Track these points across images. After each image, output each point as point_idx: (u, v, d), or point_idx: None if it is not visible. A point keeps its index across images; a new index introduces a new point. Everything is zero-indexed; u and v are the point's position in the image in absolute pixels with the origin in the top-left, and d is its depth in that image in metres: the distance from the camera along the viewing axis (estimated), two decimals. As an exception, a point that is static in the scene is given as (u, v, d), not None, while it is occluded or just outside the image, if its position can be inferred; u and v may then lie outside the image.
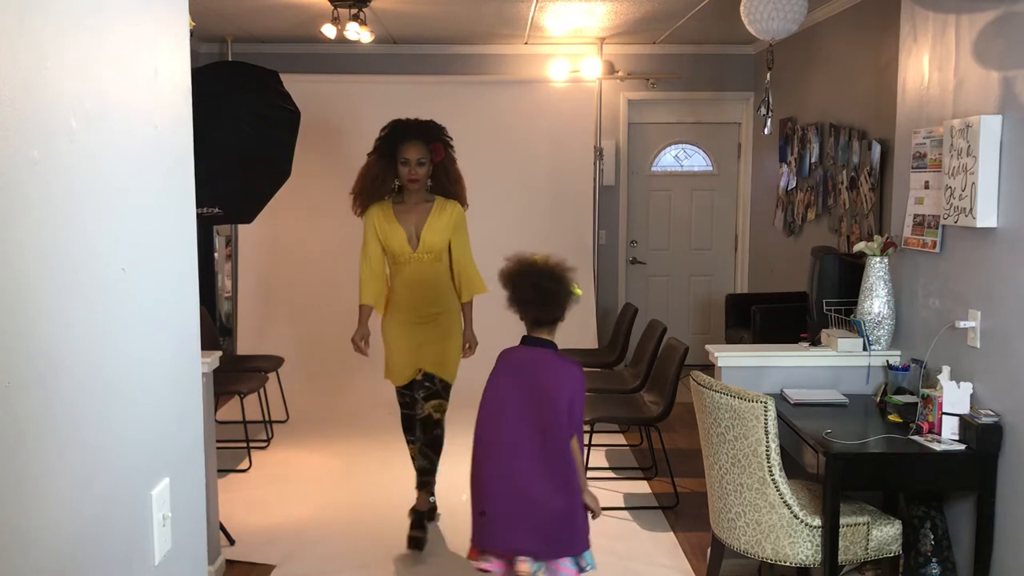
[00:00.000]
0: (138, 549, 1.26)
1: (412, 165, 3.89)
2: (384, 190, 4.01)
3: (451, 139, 4.06)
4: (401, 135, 3.93)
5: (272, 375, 5.68)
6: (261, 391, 5.51)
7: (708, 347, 3.70)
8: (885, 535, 3.00)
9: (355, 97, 6.98)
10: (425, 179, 3.97)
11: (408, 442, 4.20)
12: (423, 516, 3.99)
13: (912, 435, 3.03)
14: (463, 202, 4.10)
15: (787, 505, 2.92)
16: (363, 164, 4.06)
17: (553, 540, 2.63)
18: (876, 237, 3.54)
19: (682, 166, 7.64)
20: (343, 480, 4.89)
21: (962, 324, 3.07)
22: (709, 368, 3.59)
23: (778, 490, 2.91)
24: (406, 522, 3.97)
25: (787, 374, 3.60)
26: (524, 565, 2.62)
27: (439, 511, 4.24)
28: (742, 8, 3.73)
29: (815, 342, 3.73)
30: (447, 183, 4.03)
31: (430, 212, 3.98)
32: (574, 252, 7.15)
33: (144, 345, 1.29)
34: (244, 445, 5.23)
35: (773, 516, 2.94)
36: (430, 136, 3.97)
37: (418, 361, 4.00)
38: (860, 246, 3.55)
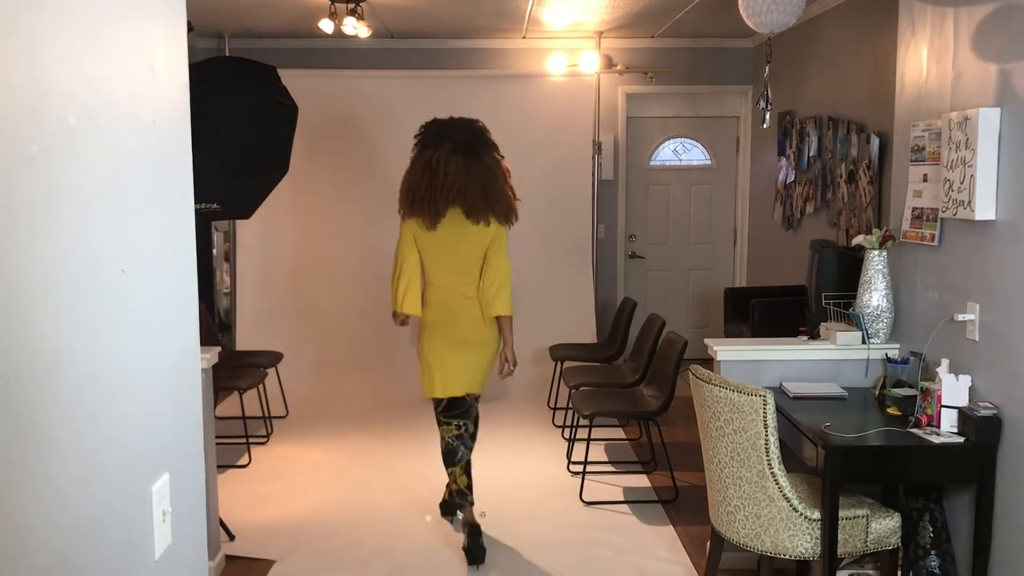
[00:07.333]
0: (138, 544, 1.27)
1: None
2: None
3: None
4: None
5: (271, 371, 5.68)
6: (260, 387, 5.52)
7: (707, 341, 3.70)
8: (884, 528, 3.01)
9: (353, 92, 6.97)
10: None
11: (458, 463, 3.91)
12: (479, 528, 3.82)
13: (911, 428, 3.04)
14: None
15: (786, 498, 2.92)
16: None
17: None
18: (875, 230, 3.54)
19: (681, 160, 7.64)
20: (343, 475, 4.89)
21: (961, 317, 3.07)
22: (708, 362, 3.60)
23: (777, 483, 2.92)
24: (405, 516, 3.97)
25: (786, 367, 3.60)
26: None
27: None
28: (740, 2, 3.72)
29: (814, 335, 3.73)
30: None
31: None
32: (573, 247, 7.17)
33: (143, 341, 1.29)
34: (244, 441, 5.23)
35: (772, 509, 2.94)
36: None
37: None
38: (859, 239, 3.55)
